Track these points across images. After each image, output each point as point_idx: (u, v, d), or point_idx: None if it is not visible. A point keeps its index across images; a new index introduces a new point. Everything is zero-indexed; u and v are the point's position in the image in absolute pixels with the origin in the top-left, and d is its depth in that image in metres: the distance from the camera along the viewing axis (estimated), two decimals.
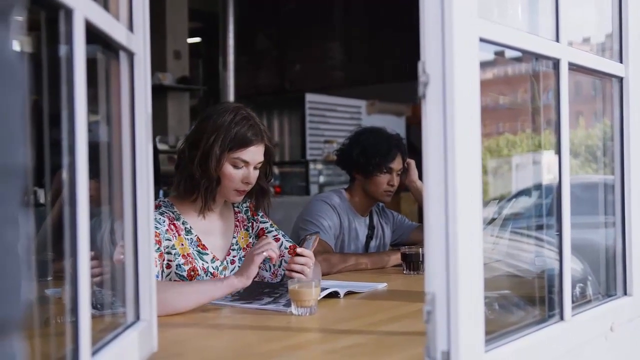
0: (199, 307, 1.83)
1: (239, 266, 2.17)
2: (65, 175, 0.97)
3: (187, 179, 2.09)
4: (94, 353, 1.04)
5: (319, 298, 1.82)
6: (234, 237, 2.23)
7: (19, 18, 0.59)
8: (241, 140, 2.06)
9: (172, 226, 2.07)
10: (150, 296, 1.34)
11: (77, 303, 0.96)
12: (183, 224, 2.11)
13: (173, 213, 2.11)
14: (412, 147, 5.73)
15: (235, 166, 2.08)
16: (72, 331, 0.96)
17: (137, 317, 1.32)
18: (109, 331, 1.21)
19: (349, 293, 2.07)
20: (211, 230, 2.17)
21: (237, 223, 2.26)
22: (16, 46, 0.57)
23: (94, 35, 1.07)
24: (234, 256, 2.21)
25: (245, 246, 2.25)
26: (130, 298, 1.31)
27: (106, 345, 1.13)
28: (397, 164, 2.87)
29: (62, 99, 0.96)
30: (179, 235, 2.08)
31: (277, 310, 1.83)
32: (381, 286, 2.23)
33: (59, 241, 1.00)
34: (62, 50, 0.97)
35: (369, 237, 3.00)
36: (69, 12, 0.95)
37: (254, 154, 2.09)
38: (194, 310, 1.80)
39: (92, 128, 1.04)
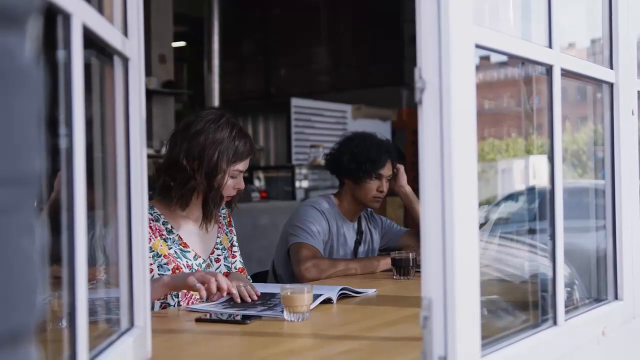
0: (192, 315, 1.81)
1: (224, 264, 2.29)
2: (62, 179, 0.96)
3: (189, 191, 2.14)
4: None
5: (312, 306, 1.81)
6: (218, 237, 2.31)
7: (34, 25, 0.59)
8: (242, 154, 2.19)
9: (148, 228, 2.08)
10: (145, 303, 1.33)
11: (75, 310, 0.95)
12: (163, 224, 2.16)
13: (152, 214, 2.14)
14: (397, 152, 5.71)
15: (233, 177, 2.19)
16: (70, 338, 0.95)
17: (132, 324, 1.31)
18: (102, 338, 1.20)
19: (342, 296, 2.06)
20: (194, 231, 2.23)
21: (220, 225, 2.34)
22: (31, 53, 0.56)
23: (89, 39, 1.06)
24: (218, 255, 2.28)
25: (227, 248, 2.33)
26: (124, 305, 1.30)
27: (102, 352, 1.12)
28: (387, 171, 2.88)
29: (59, 103, 0.95)
30: (159, 236, 2.12)
31: (274, 316, 1.81)
32: (371, 292, 2.23)
33: (49, 246, 0.99)
34: (60, 54, 0.96)
35: (358, 243, 2.99)
36: (67, 17, 0.94)
37: (247, 163, 2.23)
38: (187, 317, 1.79)
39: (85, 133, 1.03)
